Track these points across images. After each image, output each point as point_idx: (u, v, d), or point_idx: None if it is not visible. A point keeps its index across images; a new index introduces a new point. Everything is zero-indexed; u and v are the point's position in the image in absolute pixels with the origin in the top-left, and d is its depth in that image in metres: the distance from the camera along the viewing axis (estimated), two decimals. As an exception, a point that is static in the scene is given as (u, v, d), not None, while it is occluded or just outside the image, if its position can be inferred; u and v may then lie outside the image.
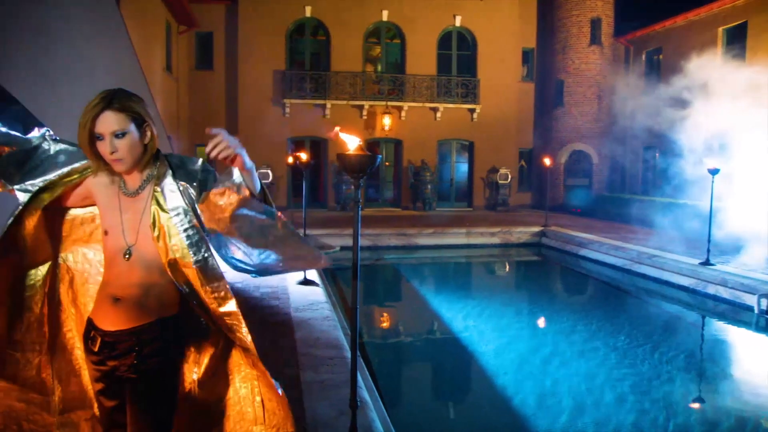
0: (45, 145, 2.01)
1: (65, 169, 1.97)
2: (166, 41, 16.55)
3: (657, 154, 18.53)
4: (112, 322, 1.89)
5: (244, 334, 1.90)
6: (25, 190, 1.94)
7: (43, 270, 2.03)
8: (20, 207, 1.92)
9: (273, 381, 1.94)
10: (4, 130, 1.95)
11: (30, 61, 3.44)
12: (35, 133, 2.01)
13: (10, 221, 1.91)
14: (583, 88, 19.95)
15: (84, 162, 1.97)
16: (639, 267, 10.80)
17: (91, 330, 1.93)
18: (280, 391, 1.95)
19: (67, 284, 2.08)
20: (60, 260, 2.08)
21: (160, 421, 1.91)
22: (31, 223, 1.95)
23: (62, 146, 2.02)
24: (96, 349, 1.92)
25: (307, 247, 1.96)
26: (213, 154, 1.76)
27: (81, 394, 2.07)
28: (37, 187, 1.93)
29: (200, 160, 2.00)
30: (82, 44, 4.46)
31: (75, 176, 1.96)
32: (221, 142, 1.75)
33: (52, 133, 2.04)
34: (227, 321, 1.89)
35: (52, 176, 1.95)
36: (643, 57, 20.02)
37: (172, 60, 17.16)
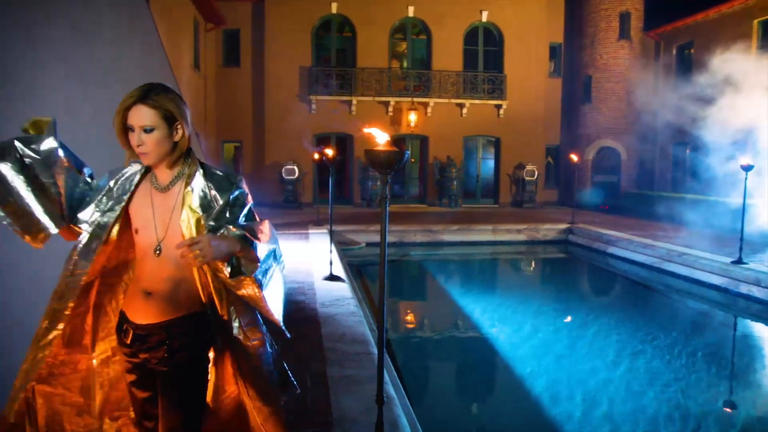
0: (87, 181, 2.06)
1: (105, 191, 2.01)
2: (194, 39, 16.71)
3: (687, 150, 18.20)
4: (143, 315, 1.93)
5: (269, 315, 2.03)
6: (83, 222, 1.99)
7: (92, 285, 2.06)
8: (96, 243, 1.94)
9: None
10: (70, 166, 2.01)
11: (64, 60, 3.50)
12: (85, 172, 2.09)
13: (90, 257, 1.94)
14: (611, 84, 19.66)
15: (126, 183, 2.01)
16: (668, 265, 10.63)
17: (123, 323, 1.97)
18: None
19: (111, 294, 2.11)
20: (109, 273, 2.11)
21: (190, 413, 1.94)
22: (103, 256, 1.98)
23: (101, 179, 2.07)
24: (128, 342, 1.95)
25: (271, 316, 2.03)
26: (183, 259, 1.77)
27: (119, 399, 2.11)
28: (96, 218, 1.97)
29: (239, 177, 2.02)
30: (114, 42, 4.53)
31: (125, 197, 1.98)
32: (187, 255, 1.73)
33: (91, 171, 2.10)
34: (250, 303, 2.00)
35: (99, 203, 1.99)
36: (674, 51, 19.67)
37: (199, 57, 17.33)
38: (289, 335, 2.11)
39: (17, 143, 1.92)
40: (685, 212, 14.13)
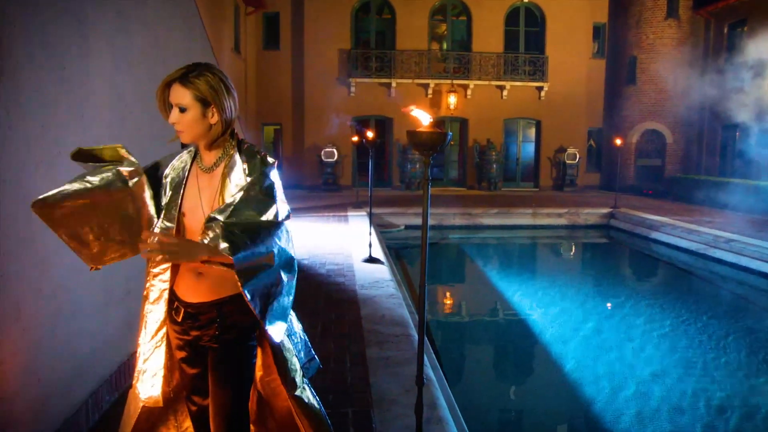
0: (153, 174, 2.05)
1: (162, 184, 2.03)
2: (235, 23, 16.83)
3: (737, 134, 17.61)
4: (194, 294, 1.96)
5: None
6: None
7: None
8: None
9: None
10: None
11: (110, 44, 3.57)
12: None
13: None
14: (657, 65, 19.06)
15: (180, 169, 2.04)
16: (715, 252, 10.36)
17: (174, 301, 2.01)
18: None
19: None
20: None
21: (239, 389, 1.99)
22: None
23: (149, 166, 2.08)
24: (179, 320, 2.00)
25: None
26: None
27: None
28: (163, 208, 1.99)
29: (271, 163, 1.96)
30: (158, 26, 4.60)
31: (182, 183, 2.01)
32: (144, 248, 1.70)
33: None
34: None
35: (163, 196, 2.02)
36: (725, 30, 18.93)
37: (240, 41, 17.47)
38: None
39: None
40: (732, 197, 13.72)
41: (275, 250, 1.84)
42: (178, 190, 1.99)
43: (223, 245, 1.68)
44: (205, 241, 1.70)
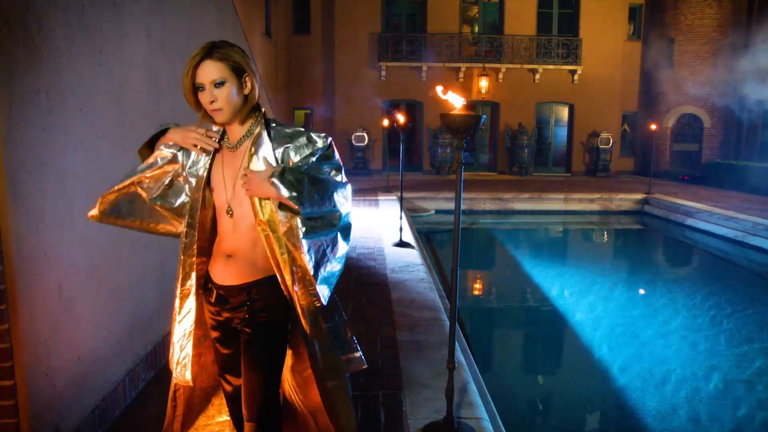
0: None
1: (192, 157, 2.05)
2: (265, 7, 16.84)
3: (780, 118, 17.07)
4: (224, 277, 1.98)
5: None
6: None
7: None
8: (196, 210, 2.00)
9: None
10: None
11: (145, 27, 3.61)
12: None
13: (195, 224, 2.00)
14: (696, 47, 18.54)
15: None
16: (753, 239, 10.11)
17: (208, 282, 2.04)
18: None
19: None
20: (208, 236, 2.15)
21: (270, 373, 2.00)
22: (205, 220, 2.05)
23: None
24: (212, 301, 2.03)
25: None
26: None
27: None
28: (192, 183, 2.01)
29: (319, 140, 1.95)
30: (191, 9, 4.63)
31: (208, 158, 2.01)
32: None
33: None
34: (311, 291, 1.93)
35: (190, 170, 2.02)
36: (768, 10, 18.30)
37: (271, 25, 17.47)
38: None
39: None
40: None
41: (341, 212, 1.89)
42: (204, 165, 2.00)
43: (289, 193, 1.76)
44: (274, 180, 1.77)
